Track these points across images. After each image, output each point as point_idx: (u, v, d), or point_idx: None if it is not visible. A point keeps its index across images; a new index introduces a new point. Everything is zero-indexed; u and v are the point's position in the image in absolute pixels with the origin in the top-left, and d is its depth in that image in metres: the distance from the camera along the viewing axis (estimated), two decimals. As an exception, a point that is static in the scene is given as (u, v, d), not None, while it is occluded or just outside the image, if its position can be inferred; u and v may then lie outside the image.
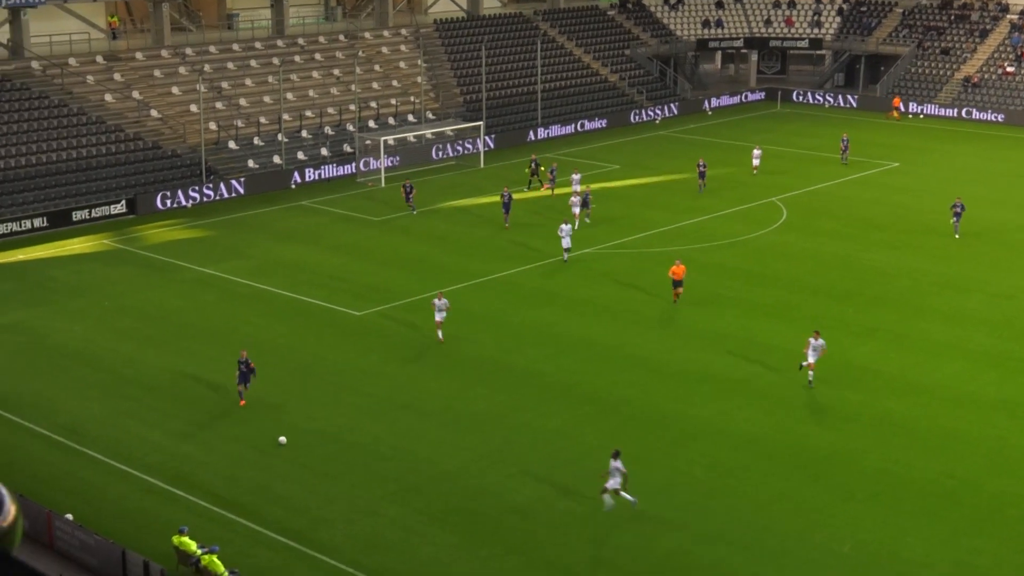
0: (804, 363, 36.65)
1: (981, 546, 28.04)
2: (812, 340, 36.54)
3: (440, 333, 40.29)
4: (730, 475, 31.44)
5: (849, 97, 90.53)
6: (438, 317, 40.19)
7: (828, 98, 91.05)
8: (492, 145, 73.25)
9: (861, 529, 28.67)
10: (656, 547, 27.94)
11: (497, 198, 60.03)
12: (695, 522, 28.99)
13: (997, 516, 29.42)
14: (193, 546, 26.26)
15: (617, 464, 28.75)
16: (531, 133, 76.86)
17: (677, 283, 44.11)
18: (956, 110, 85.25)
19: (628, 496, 28.75)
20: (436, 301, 40.28)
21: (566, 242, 49.44)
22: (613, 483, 28.77)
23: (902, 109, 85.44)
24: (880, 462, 32.18)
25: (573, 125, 79.48)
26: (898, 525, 28.93)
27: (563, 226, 49.79)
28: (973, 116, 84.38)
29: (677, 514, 29.37)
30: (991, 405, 35.85)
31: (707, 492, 30.49)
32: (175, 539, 26.59)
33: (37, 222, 54.78)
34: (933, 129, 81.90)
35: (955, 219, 53.78)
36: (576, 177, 59.07)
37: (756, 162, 65.87)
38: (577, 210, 54.23)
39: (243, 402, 35.23)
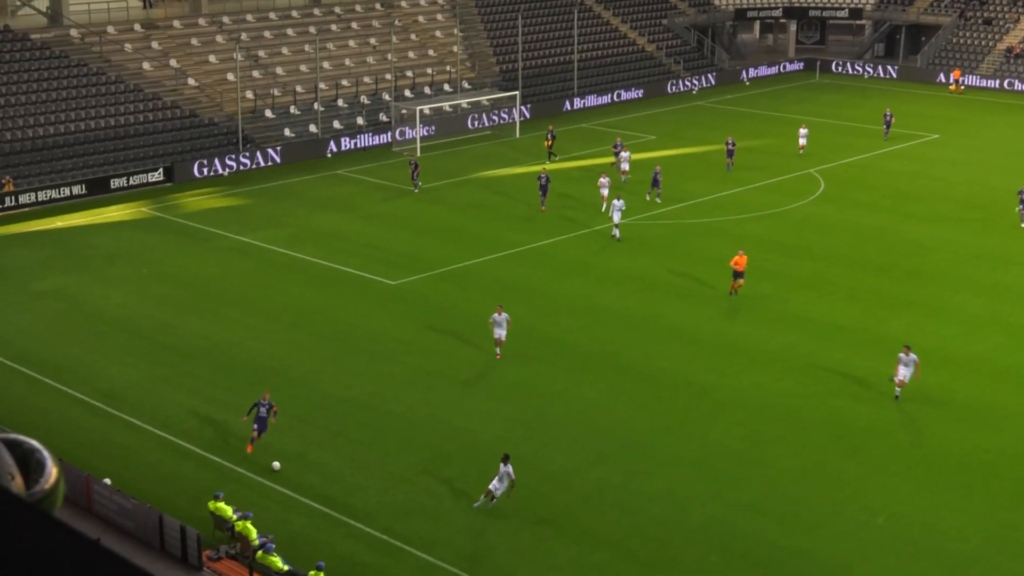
0: (894, 377, 33.68)
1: (1017, 520, 27.87)
2: (902, 355, 33.59)
3: (499, 350, 36.24)
4: (765, 446, 31.38)
5: (889, 68, 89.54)
6: (497, 334, 36.01)
7: (868, 69, 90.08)
8: (528, 115, 73.04)
9: (896, 501, 28.57)
10: (690, 517, 27.95)
11: (533, 168, 59.92)
12: (729, 493, 28.97)
13: (1034, 490, 29.21)
14: (228, 511, 26.50)
15: (507, 469, 27.44)
16: (567, 103, 76.55)
17: (738, 274, 41.53)
18: (998, 81, 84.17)
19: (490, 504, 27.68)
20: (496, 316, 36.10)
21: (617, 217, 48.16)
22: (497, 486, 27.46)
23: (963, 82, 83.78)
24: (916, 435, 32.02)
25: (609, 95, 79.09)
26: (933, 498, 28.80)
27: (616, 202, 48.53)
28: (1015, 87, 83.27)
29: (711, 485, 29.35)
30: (1029, 379, 35.54)
31: (742, 463, 30.45)
32: (211, 504, 26.85)
33: (76, 189, 55.17)
34: (974, 100, 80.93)
35: (1021, 206, 50.46)
36: (624, 155, 57.80)
37: (803, 141, 63.19)
38: (606, 192, 51.73)
39: (251, 448, 30.43)
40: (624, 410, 33.44)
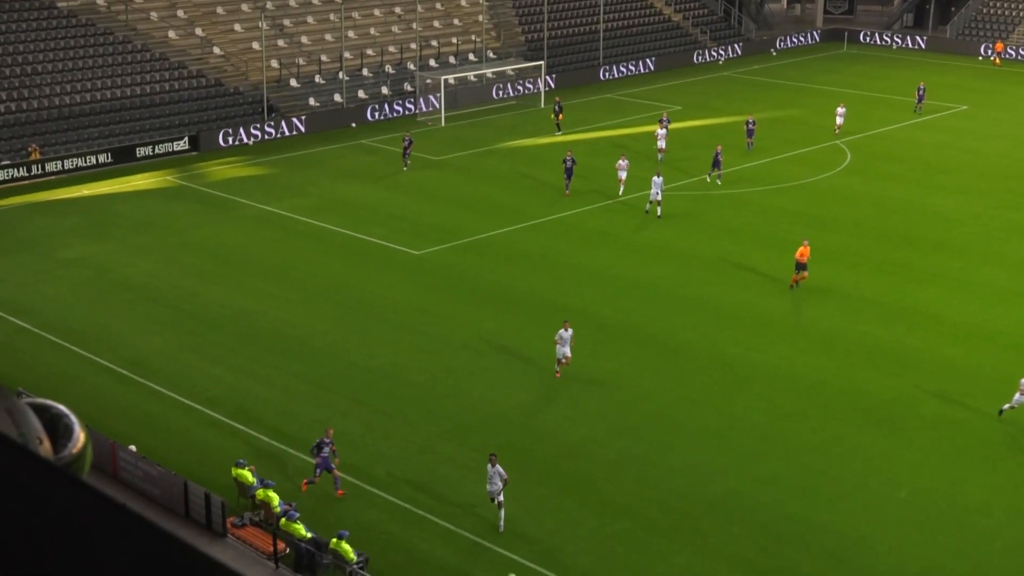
0: (1009, 406, 30.98)
1: (1041, 495, 27.77)
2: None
3: (559, 369, 33.36)
4: (787, 419, 31.34)
5: (918, 38, 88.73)
6: (560, 352, 32.96)
7: (896, 39, 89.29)
8: (553, 85, 72.78)
9: (919, 475, 28.51)
10: (711, 489, 27.97)
11: (557, 138, 59.81)
12: (751, 465, 28.97)
13: (1059, 465, 29.09)
14: (250, 477, 26.69)
15: (497, 469, 25.94)
16: (592, 73, 76.21)
17: (801, 266, 39.54)
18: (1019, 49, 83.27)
19: (500, 513, 26.00)
20: (562, 332, 33.01)
21: (657, 194, 47.17)
22: (493, 489, 26.01)
23: (1004, 55, 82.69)
24: (940, 408, 31.91)
25: (635, 65, 78.69)
26: (956, 472, 28.73)
27: (656, 178, 47.52)
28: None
29: (733, 457, 29.35)
30: (1056, 353, 35.32)
31: (764, 436, 30.43)
32: (233, 471, 27.04)
33: (102, 158, 55.38)
34: (1004, 72, 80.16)
35: None
36: (661, 132, 56.41)
37: (840, 120, 60.90)
38: (624, 175, 49.91)
39: (305, 487, 27.76)
40: (647, 382, 33.44)
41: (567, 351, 32.82)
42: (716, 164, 51.88)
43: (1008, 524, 26.62)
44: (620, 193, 49.75)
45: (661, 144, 56.07)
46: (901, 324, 37.26)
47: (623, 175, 50.14)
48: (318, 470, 27.50)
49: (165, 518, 26.09)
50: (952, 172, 55.06)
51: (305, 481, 27.74)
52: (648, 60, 79.45)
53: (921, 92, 67.09)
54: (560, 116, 61.85)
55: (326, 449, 27.42)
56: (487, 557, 25.32)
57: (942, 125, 64.54)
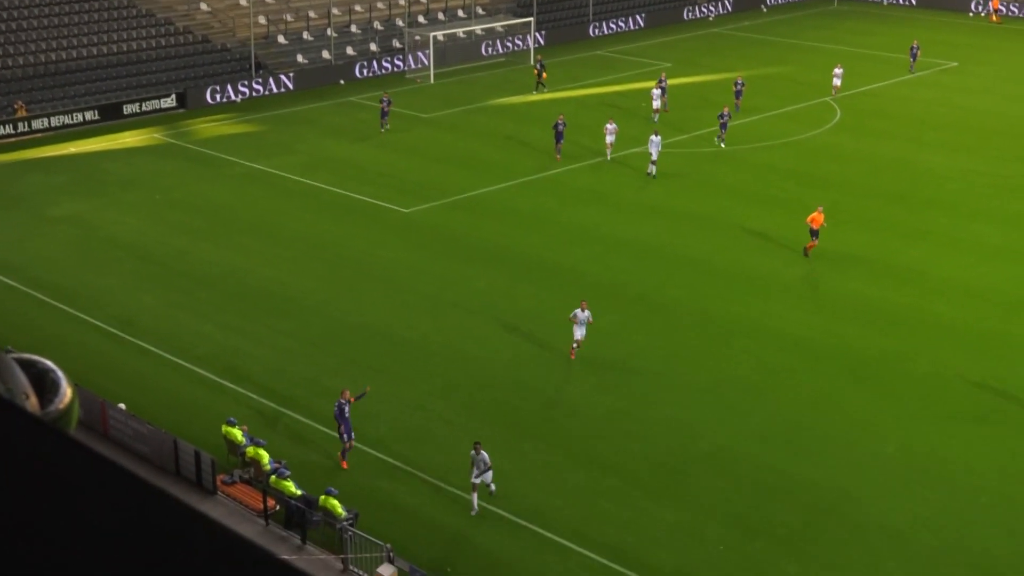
0: None
1: (1027, 450, 27.99)
2: None
3: (575, 349, 31.95)
4: (775, 375, 31.48)
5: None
6: (578, 334, 31.68)
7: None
8: (543, 42, 72.36)
9: (906, 432, 28.69)
10: (698, 444, 28.13)
11: (546, 96, 59.54)
12: (739, 421, 29.12)
13: (1044, 421, 29.30)
14: (239, 436, 26.75)
15: (484, 456, 25.13)
16: (582, 30, 75.81)
17: (814, 232, 38.72)
18: (1020, 6, 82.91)
19: (488, 486, 25.40)
20: (578, 312, 31.55)
21: (655, 153, 46.68)
22: (485, 477, 25.20)
23: (1002, 11, 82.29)
24: (928, 366, 32.07)
25: (625, 22, 78.27)
26: (944, 429, 28.92)
27: (653, 137, 47.05)
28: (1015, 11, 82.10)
29: (721, 413, 29.50)
30: (1043, 310, 35.49)
31: (752, 392, 30.57)
32: (223, 428, 27.11)
33: (88, 115, 55.05)
34: (994, 28, 79.92)
35: None
36: (656, 92, 55.74)
37: (837, 82, 59.54)
38: (611, 139, 48.82)
39: (344, 464, 27.23)
40: (636, 339, 33.53)
41: (582, 333, 31.30)
42: (723, 127, 50.80)
43: (993, 480, 26.84)
44: (608, 157, 48.95)
45: (656, 104, 55.53)
46: (890, 281, 37.36)
47: (611, 139, 48.97)
48: (346, 436, 26.79)
49: (155, 476, 26.18)
50: (942, 129, 55.01)
51: (342, 458, 27.06)
52: (638, 16, 79.02)
53: (915, 50, 66.49)
54: (543, 75, 61.21)
55: (347, 410, 26.79)
56: (476, 513, 25.44)
57: (932, 82, 64.41)
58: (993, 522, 25.27)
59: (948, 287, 37.12)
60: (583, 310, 31.40)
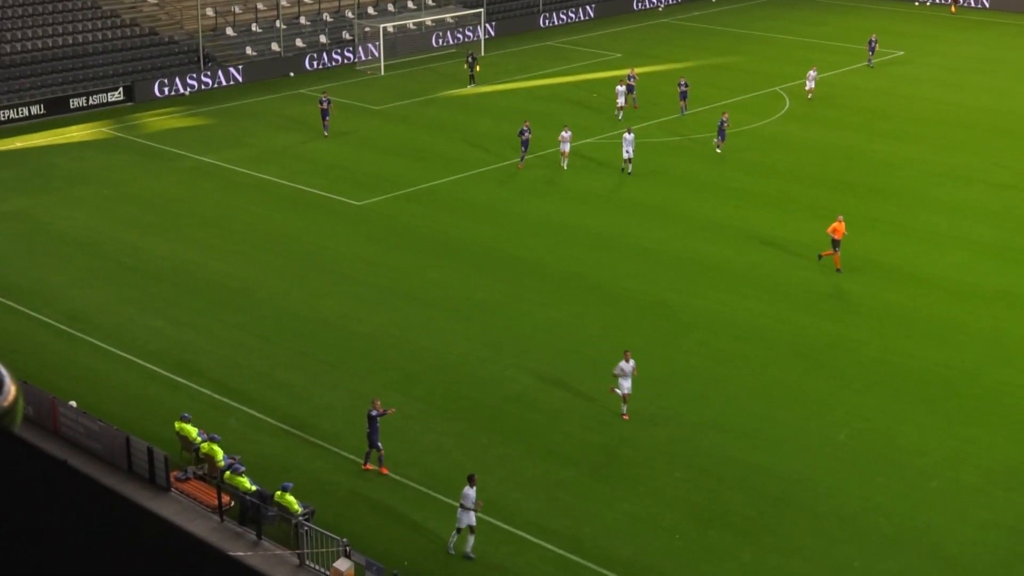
0: None
1: (976, 435, 28.36)
2: None
3: (625, 408, 28.96)
4: (729, 364, 31.66)
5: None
6: (624, 387, 28.62)
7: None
8: (493, 33, 72.30)
9: (858, 418, 28.97)
10: (654, 435, 28.24)
11: (497, 86, 59.44)
12: (693, 411, 29.27)
13: (993, 406, 29.70)
14: (193, 433, 26.54)
15: (473, 492, 23.75)
16: (532, 20, 75.79)
17: (836, 243, 37.11)
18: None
19: (468, 543, 23.81)
20: (623, 364, 28.65)
21: (627, 151, 45.89)
22: (469, 519, 23.66)
23: (960, 2, 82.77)
24: (879, 352, 32.39)
25: (575, 12, 78.34)
26: (895, 414, 29.22)
27: (627, 135, 46.09)
28: (981, 4, 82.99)
29: (675, 403, 29.63)
30: (991, 296, 35.95)
31: (706, 381, 30.73)
32: (177, 425, 26.88)
33: (35, 109, 54.33)
34: (939, 17, 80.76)
35: None
36: (620, 89, 54.40)
37: (811, 84, 57.52)
38: (567, 148, 46.69)
39: (385, 470, 26.61)
40: (590, 329, 33.60)
41: (628, 385, 28.61)
42: (721, 133, 48.72)
43: (944, 464, 27.16)
44: (564, 166, 46.69)
45: (621, 101, 54.32)
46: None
47: (566, 148, 46.79)
48: (379, 445, 26.28)
49: (107, 473, 25.91)
50: (889, 118, 55.52)
51: (382, 467, 26.38)
52: (588, 7, 79.10)
53: (873, 44, 66.07)
54: (476, 68, 60.37)
55: (376, 419, 26.20)
56: (432, 506, 25.42)
57: (880, 71, 64.98)
58: (944, 507, 25.58)
59: (897, 274, 37.50)
60: (627, 361, 28.46)
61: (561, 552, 24.00)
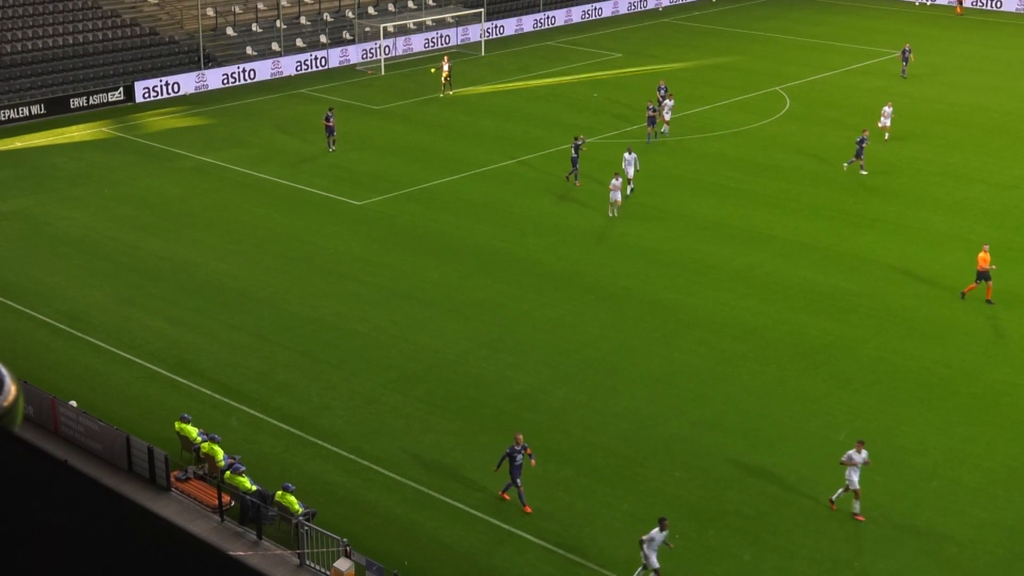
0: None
1: (974, 434, 28.37)
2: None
3: (858, 504, 25.16)
4: (728, 364, 31.67)
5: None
6: (853, 480, 25.07)
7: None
8: (493, 32, 72.25)
9: (857, 417, 28.98)
10: (654, 434, 28.26)
11: (497, 86, 59.34)
12: (693, 410, 29.29)
13: (991, 405, 29.72)
14: (194, 433, 26.55)
15: (662, 535, 22.66)
16: (531, 21, 75.75)
17: (982, 275, 34.91)
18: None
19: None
20: (853, 454, 25.27)
21: (631, 172, 43.43)
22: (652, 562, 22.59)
23: (965, 3, 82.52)
24: (878, 351, 32.40)
25: (574, 12, 78.31)
26: (893, 413, 29.24)
27: (627, 155, 43.82)
28: (979, 3, 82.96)
29: (675, 402, 29.65)
30: (991, 296, 35.91)
31: (705, 380, 30.75)
32: (177, 425, 26.89)
33: (35, 109, 54.36)
34: (936, 16, 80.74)
35: None
36: (668, 104, 51.61)
37: (886, 121, 51.07)
38: (617, 196, 41.36)
39: (529, 509, 25.33)
40: (589, 329, 33.62)
41: (856, 479, 25.03)
42: (859, 153, 46.22)
43: (943, 463, 27.18)
44: (613, 214, 41.69)
45: (667, 115, 51.42)
46: (839, 268, 37.71)
47: (617, 196, 41.56)
48: (518, 481, 25.12)
49: (108, 473, 25.93)
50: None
51: (525, 506, 25.20)
52: (587, 7, 79.01)
53: (906, 53, 62.79)
54: (447, 75, 58.30)
55: (519, 458, 24.99)
56: (432, 506, 25.44)
57: (879, 70, 64.97)
58: (943, 506, 25.58)
59: (896, 274, 37.52)
60: (859, 451, 25.29)
61: (561, 552, 24.02)
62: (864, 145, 46.26)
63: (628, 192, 43.59)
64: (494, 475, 26.25)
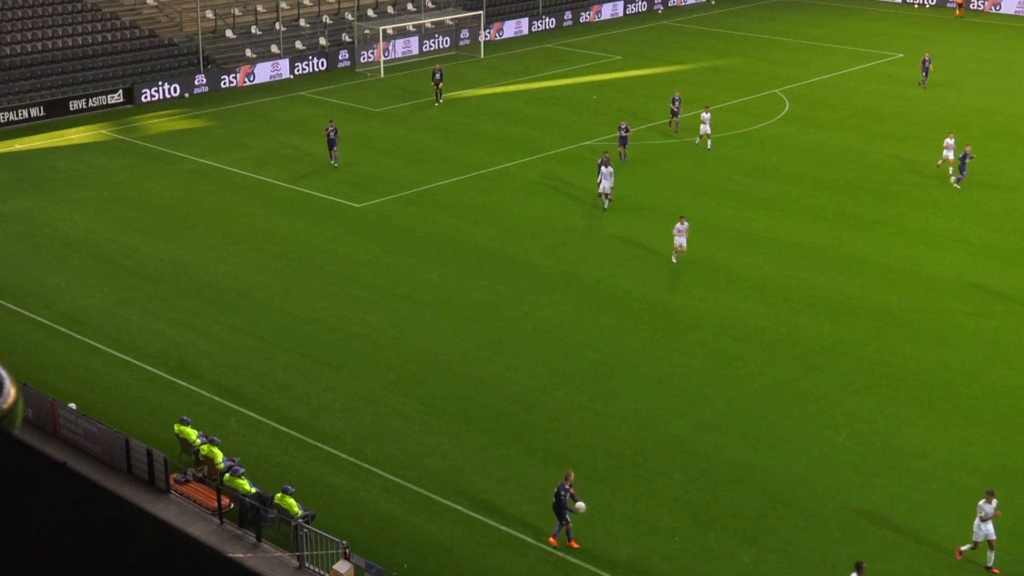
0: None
1: (974, 436, 28.37)
2: None
3: (992, 555, 23.85)
4: (728, 365, 31.67)
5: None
6: (983, 533, 23.81)
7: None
8: (492, 35, 72.26)
9: (856, 419, 28.98)
10: (653, 435, 28.26)
11: (497, 88, 59.39)
12: (692, 411, 29.28)
13: (991, 407, 29.71)
14: (193, 435, 26.55)
15: None
16: (531, 23, 75.80)
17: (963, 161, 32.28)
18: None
19: None
20: (983, 505, 23.95)
21: (606, 185, 42.38)
22: None
23: (964, 5, 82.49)
24: (877, 353, 32.40)
25: (574, 15, 78.35)
26: (893, 415, 29.23)
27: (604, 168, 42.64)
28: (979, 5, 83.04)
29: (674, 403, 29.65)
30: (989, 297, 35.95)
31: (705, 382, 30.74)
32: (176, 427, 26.89)
33: (34, 111, 54.37)
34: (936, 19, 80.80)
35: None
36: (706, 116, 50.17)
37: (949, 154, 46.72)
38: (683, 241, 38.19)
39: (575, 543, 24.29)
40: (589, 331, 33.62)
41: (991, 529, 23.76)
42: (962, 167, 45.08)
43: (943, 466, 27.17)
44: (673, 260, 38.31)
45: (706, 128, 49.99)
46: (838, 271, 37.71)
47: (682, 242, 38.28)
48: (567, 518, 24.18)
49: (107, 475, 25.92)
50: (887, 120, 55.53)
51: (569, 539, 24.29)
52: (586, 10, 79.03)
53: (927, 63, 61.36)
54: (440, 85, 57.19)
55: (564, 495, 24.14)
56: (431, 508, 25.44)
57: (878, 73, 64.99)
58: (944, 509, 25.58)
59: (895, 276, 37.52)
60: (988, 501, 23.92)
61: (560, 554, 24.01)
62: (967, 160, 45.04)
63: (605, 207, 42.65)
64: (492, 478, 26.26)
